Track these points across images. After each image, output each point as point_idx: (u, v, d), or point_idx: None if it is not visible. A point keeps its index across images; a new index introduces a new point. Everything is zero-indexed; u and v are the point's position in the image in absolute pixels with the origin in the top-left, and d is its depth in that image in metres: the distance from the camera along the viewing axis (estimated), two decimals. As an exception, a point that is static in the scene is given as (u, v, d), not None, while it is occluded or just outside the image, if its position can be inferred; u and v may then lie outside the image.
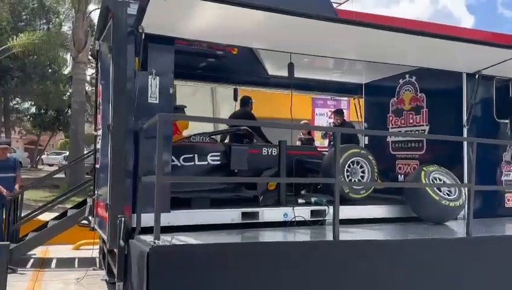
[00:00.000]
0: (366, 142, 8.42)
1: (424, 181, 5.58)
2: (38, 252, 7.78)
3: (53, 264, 7.20)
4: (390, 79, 7.76)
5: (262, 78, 7.77)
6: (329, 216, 5.37)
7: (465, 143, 6.32)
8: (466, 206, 6.10)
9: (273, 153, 5.97)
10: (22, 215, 7.67)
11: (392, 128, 7.71)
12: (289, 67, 6.12)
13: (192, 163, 5.25)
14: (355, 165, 5.78)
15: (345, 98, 10.28)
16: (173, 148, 5.26)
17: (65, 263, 7.12)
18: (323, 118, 10.52)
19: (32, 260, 7.33)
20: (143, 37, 4.42)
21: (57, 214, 7.92)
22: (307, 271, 3.86)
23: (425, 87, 7.10)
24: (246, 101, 7.51)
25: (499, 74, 6.59)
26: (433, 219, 5.54)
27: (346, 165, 5.69)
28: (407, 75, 7.42)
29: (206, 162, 5.32)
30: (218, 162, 5.36)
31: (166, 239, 3.71)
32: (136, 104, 4.53)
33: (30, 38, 12.91)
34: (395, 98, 7.66)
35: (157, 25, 4.43)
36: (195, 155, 5.29)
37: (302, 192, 6.49)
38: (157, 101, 4.67)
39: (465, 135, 6.33)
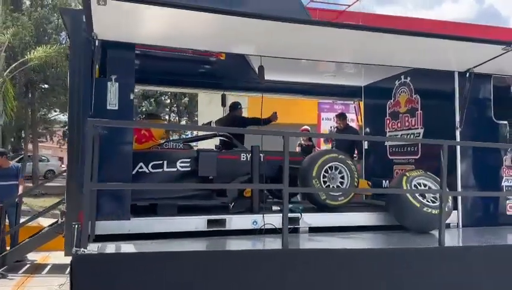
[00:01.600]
0: (366, 147, 8.14)
1: (405, 187, 5.26)
2: (39, 258, 7.95)
3: (46, 270, 7.32)
4: (387, 81, 7.45)
5: (254, 83, 7.63)
6: (304, 224, 5.21)
7: (458, 147, 5.94)
8: (459, 214, 5.82)
9: (253, 159, 5.84)
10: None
11: (389, 132, 7.39)
12: (259, 70, 5.95)
13: (161, 170, 5.19)
14: (333, 170, 5.53)
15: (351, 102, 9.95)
16: (142, 155, 5.27)
17: (58, 269, 7.22)
18: (330, 123, 10.25)
19: (27, 266, 7.49)
20: (97, 44, 4.42)
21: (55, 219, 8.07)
22: (249, 281, 3.68)
23: (419, 88, 6.75)
24: (235, 107, 7.41)
25: (497, 71, 6.17)
26: (416, 227, 5.21)
27: (323, 171, 5.44)
28: (402, 76, 7.09)
29: (175, 169, 5.24)
30: (188, 169, 5.27)
31: (93, 248, 3.62)
32: (93, 111, 4.51)
33: (47, 52, 13.42)
34: (391, 101, 7.34)
35: (110, 32, 4.42)
36: (164, 162, 5.22)
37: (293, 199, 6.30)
38: (116, 108, 4.64)
39: (457, 137, 5.95)
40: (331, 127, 10.61)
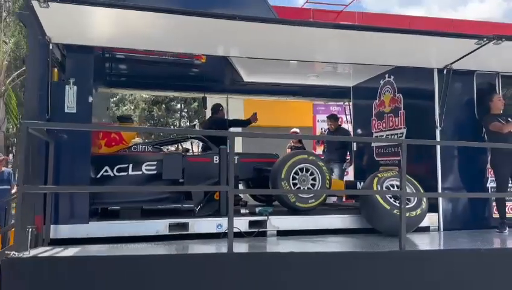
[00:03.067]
0: (355, 149, 7.94)
1: (375, 188, 5.08)
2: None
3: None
4: (372, 80, 7.26)
5: (237, 84, 7.55)
6: (271, 227, 5.08)
7: (438, 147, 5.71)
8: (440, 216, 5.59)
9: (226, 162, 5.75)
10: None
11: (375, 132, 7.19)
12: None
13: (126, 173, 5.15)
14: (304, 172, 5.38)
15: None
16: (108, 159, 5.25)
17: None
18: (325, 125, 10.03)
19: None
20: (51, 47, 4.43)
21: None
22: (192, 285, 3.58)
23: (402, 87, 6.55)
24: (216, 109, 7.34)
25: (480, 67, 5.91)
26: (386, 230, 5.01)
27: (293, 173, 5.31)
28: (386, 75, 6.90)
29: (141, 172, 5.19)
30: (154, 172, 5.21)
31: (35, 252, 3.58)
32: (51, 115, 4.51)
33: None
34: (377, 101, 7.15)
35: (63, 35, 4.42)
36: (130, 165, 5.18)
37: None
38: (74, 111, 4.63)
39: (437, 137, 5.72)
40: (321, 129, 10.42)
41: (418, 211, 4.96)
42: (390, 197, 5.02)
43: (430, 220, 5.56)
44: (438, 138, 5.70)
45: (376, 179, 5.17)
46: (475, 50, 5.10)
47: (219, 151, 5.29)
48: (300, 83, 7.85)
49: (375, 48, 5.37)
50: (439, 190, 5.63)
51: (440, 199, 5.61)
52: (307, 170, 5.40)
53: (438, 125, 5.69)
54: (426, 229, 5.54)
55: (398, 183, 5.24)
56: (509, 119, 5.68)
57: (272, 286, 3.68)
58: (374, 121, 7.20)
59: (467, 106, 5.90)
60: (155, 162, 5.21)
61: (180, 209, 5.59)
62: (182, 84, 7.17)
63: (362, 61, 6.15)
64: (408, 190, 5.22)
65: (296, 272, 3.70)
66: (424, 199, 5.10)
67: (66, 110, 4.61)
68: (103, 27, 4.42)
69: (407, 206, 4.97)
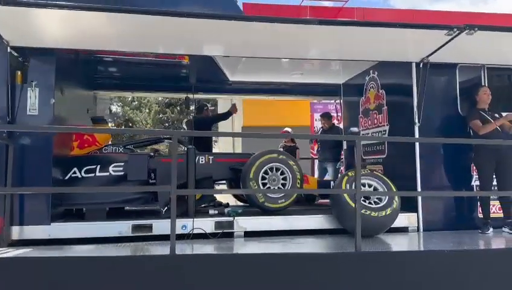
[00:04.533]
0: (345, 147, 7.75)
1: (344, 188, 4.90)
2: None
3: None
4: (360, 76, 7.07)
5: (223, 84, 7.48)
6: (238, 228, 4.98)
7: (416, 144, 5.48)
8: (419, 217, 5.37)
9: (201, 162, 5.70)
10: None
11: (362, 130, 6.98)
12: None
13: (93, 174, 5.15)
14: (274, 171, 5.25)
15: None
16: (76, 160, 5.27)
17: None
18: (323, 124, 9.83)
19: None
20: (8, 50, 4.48)
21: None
22: (134, 287, 3.53)
23: (384, 82, 6.35)
24: (201, 108, 7.29)
25: (463, 60, 5.65)
26: (354, 229, 4.82)
27: (262, 172, 5.19)
28: (371, 71, 6.69)
29: (108, 173, 5.17)
30: (121, 173, 5.19)
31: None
32: (12, 117, 4.56)
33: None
34: (363, 98, 6.94)
35: (20, 38, 4.46)
36: (97, 166, 5.18)
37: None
38: (37, 113, 4.66)
39: (416, 134, 5.49)
40: (315, 128, 10.23)
41: (388, 211, 4.76)
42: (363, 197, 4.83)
43: (409, 220, 5.34)
44: (417, 135, 5.47)
45: (346, 177, 5.00)
46: (449, 41, 4.87)
47: (187, 151, 5.23)
48: (289, 82, 7.71)
49: (352, 43, 5.20)
50: (419, 189, 5.40)
51: (419, 199, 5.38)
52: (277, 169, 5.27)
53: (417, 121, 5.46)
54: (405, 230, 5.33)
55: (369, 182, 5.08)
56: (495, 115, 5.40)
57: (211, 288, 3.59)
58: (361, 119, 7.01)
59: (449, 100, 5.65)
60: (122, 164, 5.18)
61: (152, 211, 5.57)
62: (165, 85, 7.14)
63: (342, 57, 6.01)
64: (380, 189, 5.05)
65: (237, 274, 3.59)
66: (396, 198, 4.89)
67: (28, 113, 4.65)
68: (56, 29, 4.43)
69: (376, 206, 4.82)
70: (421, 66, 5.39)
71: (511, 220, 5.20)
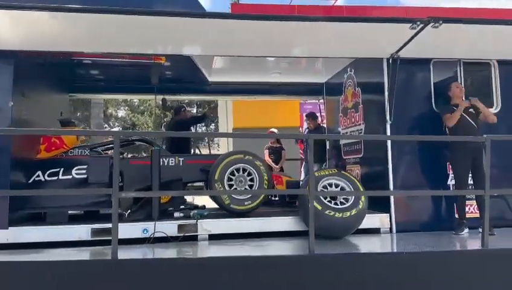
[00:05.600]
0: (328, 147, 7.59)
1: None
2: None
3: None
4: (339, 75, 6.92)
5: (202, 85, 7.38)
6: (203, 231, 4.86)
7: (388, 142, 5.32)
8: (392, 217, 5.20)
9: (170, 164, 5.59)
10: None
11: (342, 129, 6.82)
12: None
13: (56, 178, 5.08)
14: (240, 172, 5.13)
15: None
16: (40, 163, 5.20)
17: None
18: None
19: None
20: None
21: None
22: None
23: (360, 80, 6.20)
24: (178, 110, 7.21)
25: (438, 55, 5.47)
26: (320, 231, 4.64)
27: (228, 173, 5.07)
28: (348, 69, 6.54)
29: (71, 176, 5.10)
30: (84, 176, 5.11)
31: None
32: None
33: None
34: (342, 96, 6.79)
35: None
36: (61, 169, 5.11)
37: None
38: (-7, 116, 4.62)
39: (388, 132, 5.32)
40: (300, 128, 10.08)
41: (354, 212, 4.60)
42: (325, 198, 4.69)
43: (381, 221, 5.17)
44: (389, 133, 5.30)
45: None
46: (415, 36, 4.69)
47: (151, 153, 5.13)
48: (271, 81, 7.59)
49: (325, 40, 5.06)
50: (391, 188, 5.23)
51: (392, 199, 5.21)
52: (244, 170, 5.14)
53: (388, 119, 5.29)
54: (377, 231, 5.16)
55: (336, 182, 4.93)
56: (470, 110, 5.20)
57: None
58: (340, 118, 6.85)
59: (423, 97, 5.47)
60: (85, 166, 5.11)
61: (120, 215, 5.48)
62: (142, 86, 7.06)
63: (316, 55, 5.89)
64: (347, 189, 4.89)
65: (182, 277, 3.47)
66: (362, 199, 4.72)
67: None
68: (13, 31, 4.37)
69: (341, 207, 4.66)
70: (390, 61, 5.21)
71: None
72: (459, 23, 4.55)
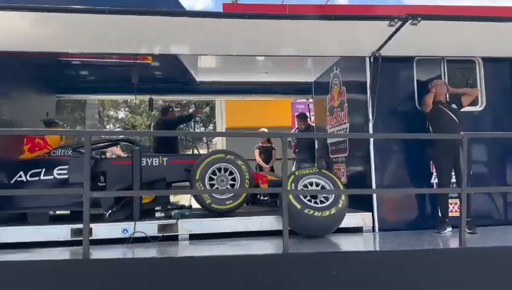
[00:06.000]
0: (317, 147, 7.57)
1: (289, 188, 4.72)
2: None
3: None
4: (326, 74, 6.89)
5: (190, 84, 7.38)
6: (184, 231, 4.85)
7: (371, 141, 5.29)
8: (375, 216, 5.17)
9: (154, 164, 5.58)
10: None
11: (329, 128, 6.80)
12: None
13: (38, 178, 5.08)
14: (222, 172, 5.11)
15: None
16: (22, 164, 5.20)
17: None
18: (305, 123, 9.62)
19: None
20: None
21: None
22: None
23: (345, 79, 6.17)
24: (166, 110, 7.21)
25: (421, 53, 5.43)
26: (299, 230, 4.66)
27: (209, 172, 5.05)
28: (334, 68, 6.51)
29: (52, 177, 5.10)
30: (65, 176, 5.10)
31: None
32: None
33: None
34: (329, 95, 6.76)
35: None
36: (42, 170, 5.11)
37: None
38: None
39: (370, 130, 5.29)
40: (291, 128, 10.04)
41: (333, 211, 4.57)
42: (305, 197, 4.66)
43: (363, 220, 5.14)
44: (371, 132, 5.27)
45: (292, 177, 4.83)
46: (395, 33, 4.66)
47: (132, 153, 5.13)
48: (259, 81, 7.58)
49: (309, 38, 5.04)
50: (373, 187, 5.20)
51: (374, 197, 5.18)
52: (226, 170, 5.12)
53: (371, 118, 5.27)
54: (360, 230, 5.13)
55: (316, 181, 4.90)
56: (453, 105, 5.16)
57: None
58: (327, 117, 6.82)
59: (406, 95, 5.43)
60: (66, 167, 5.10)
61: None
62: (128, 87, 7.06)
63: (301, 54, 5.87)
64: (327, 188, 4.86)
65: (153, 277, 3.46)
66: (342, 197, 4.69)
67: None
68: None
69: (320, 205, 4.63)
70: (371, 60, 5.19)
71: (470, 219, 4.95)
72: (438, 20, 4.51)
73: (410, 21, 4.42)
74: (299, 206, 4.54)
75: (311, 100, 8.08)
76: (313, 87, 7.60)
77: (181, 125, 14.43)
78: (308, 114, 8.34)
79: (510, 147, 5.53)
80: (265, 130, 8.55)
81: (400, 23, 4.43)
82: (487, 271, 3.74)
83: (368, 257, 3.68)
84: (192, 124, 22.02)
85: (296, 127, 8.50)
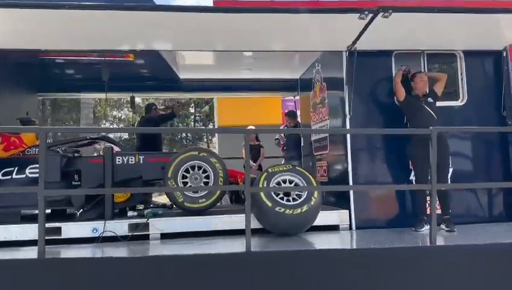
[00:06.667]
0: (302, 144, 7.46)
1: (261, 185, 4.64)
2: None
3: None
4: (310, 70, 6.78)
5: (173, 82, 7.30)
6: (155, 230, 4.78)
7: (348, 137, 5.18)
8: (352, 214, 5.06)
9: (130, 162, 5.52)
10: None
11: (313, 125, 6.68)
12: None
13: (10, 177, 5.03)
14: (196, 170, 5.03)
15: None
16: (-3, 163, 5.15)
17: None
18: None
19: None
20: None
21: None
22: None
23: (325, 75, 6.06)
24: (149, 108, 7.14)
25: (399, 47, 5.31)
26: (271, 228, 4.58)
27: (182, 170, 4.97)
28: (316, 64, 6.40)
29: (24, 175, 5.04)
30: (37, 175, 5.04)
31: None
32: None
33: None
34: (312, 91, 6.65)
35: None
36: (15, 169, 5.06)
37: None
38: None
39: (347, 127, 5.18)
40: (280, 125, 9.93)
41: (305, 208, 4.46)
42: (277, 195, 4.56)
43: (340, 217, 5.04)
44: (348, 127, 5.16)
45: (265, 174, 4.74)
46: (368, 26, 4.54)
47: (104, 152, 5.06)
48: (244, 78, 7.48)
49: (286, 32, 4.96)
50: (350, 183, 5.09)
51: (351, 194, 5.06)
52: (199, 168, 5.04)
53: (347, 113, 5.15)
54: (336, 228, 5.03)
55: (290, 178, 4.80)
56: (429, 99, 5.01)
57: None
58: (311, 114, 6.71)
59: (385, 90, 5.31)
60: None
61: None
62: (110, 85, 6.99)
63: (280, 49, 5.77)
64: (300, 184, 4.75)
65: (109, 276, 3.39)
66: (315, 195, 4.58)
67: None
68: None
69: (291, 203, 4.53)
70: (346, 54, 5.07)
71: (448, 217, 4.83)
72: (410, 12, 4.38)
73: (381, 13, 4.30)
74: (270, 204, 4.45)
75: (297, 97, 7.97)
76: (299, 84, 7.49)
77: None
78: (295, 111, 8.25)
79: (493, 142, 5.40)
80: (253, 127, 8.44)
81: (370, 15, 4.31)
82: (455, 269, 3.62)
83: (333, 255, 3.57)
84: (192, 123, 21.97)
85: (285, 124, 8.39)
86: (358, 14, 4.32)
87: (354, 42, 4.92)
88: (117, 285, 3.39)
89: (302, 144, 7.42)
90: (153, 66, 6.88)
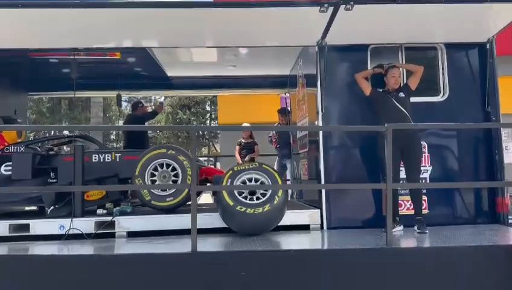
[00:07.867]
0: (291, 141, 7.33)
1: (225, 183, 4.56)
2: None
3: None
4: (295, 66, 6.64)
5: (161, 80, 7.29)
6: (121, 228, 4.77)
7: (320, 134, 5.04)
8: (323, 213, 4.92)
9: (106, 160, 5.55)
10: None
11: (298, 122, 6.55)
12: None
13: (-14, 174, 5.15)
14: (164, 168, 5.00)
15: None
16: (-29, 162, 5.27)
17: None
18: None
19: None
20: None
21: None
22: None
23: (304, 71, 5.92)
24: (135, 106, 7.16)
25: (376, 40, 5.12)
26: (234, 228, 4.50)
27: (150, 168, 4.95)
28: (299, 59, 6.26)
29: (-1, 173, 5.16)
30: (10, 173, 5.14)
31: None
32: None
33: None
34: (297, 88, 6.52)
35: None
36: (-8, 166, 5.17)
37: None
38: None
39: (320, 123, 5.03)
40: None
41: (267, 207, 4.34)
42: (241, 194, 4.47)
43: (311, 217, 4.90)
44: (321, 124, 5.02)
45: (230, 173, 4.64)
46: (332, 19, 4.39)
47: (74, 149, 5.10)
48: (234, 75, 7.41)
49: (261, 26, 4.85)
50: (322, 182, 4.95)
51: (323, 193, 4.92)
52: (168, 166, 5.01)
53: (320, 110, 5.01)
54: (307, 228, 4.90)
55: (256, 176, 4.69)
56: (400, 94, 4.79)
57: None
58: (297, 110, 6.58)
59: (359, 86, 5.11)
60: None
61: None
62: (96, 83, 7.04)
63: (257, 44, 5.65)
64: (266, 182, 4.64)
65: (63, 274, 3.41)
66: (280, 194, 4.46)
67: None
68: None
69: (253, 202, 4.43)
70: (317, 49, 4.93)
71: (420, 218, 4.63)
72: (372, 4, 4.21)
73: (343, 6, 4.15)
74: (231, 203, 4.37)
75: (288, 94, 7.83)
76: (289, 80, 7.36)
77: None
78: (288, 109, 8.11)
79: (477, 139, 5.15)
80: (248, 124, 8.38)
81: (331, 8, 4.16)
82: (408, 271, 3.46)
83: (278, 256, 3.47)
84: (208, 121, 22.02)
85: (278, 122, 8.27)
86: (319, 8, 4.17)
87: (323, 37, 4.76)
88: (74, 283, 3.40)
89: (291, 142, 7.30)
90: (137, 65, 6.89)
